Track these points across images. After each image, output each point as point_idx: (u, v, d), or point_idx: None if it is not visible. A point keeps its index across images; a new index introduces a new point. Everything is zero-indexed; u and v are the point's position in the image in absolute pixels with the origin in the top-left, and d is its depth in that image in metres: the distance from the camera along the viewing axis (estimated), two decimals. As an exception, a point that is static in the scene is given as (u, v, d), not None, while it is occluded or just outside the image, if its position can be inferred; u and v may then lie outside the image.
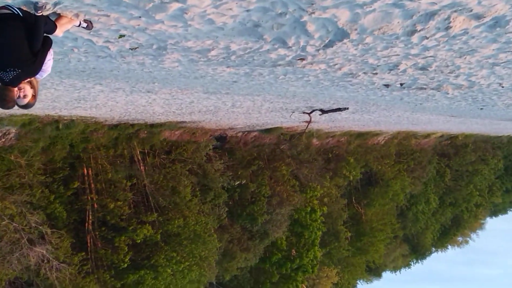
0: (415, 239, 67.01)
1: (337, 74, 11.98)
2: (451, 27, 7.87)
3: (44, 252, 24.20)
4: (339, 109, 23.52)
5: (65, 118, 23.40)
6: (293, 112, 25.71)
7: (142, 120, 26.53)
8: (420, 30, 8.08)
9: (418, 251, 70.04)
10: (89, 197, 28.15)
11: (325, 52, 9.51)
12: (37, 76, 6.15)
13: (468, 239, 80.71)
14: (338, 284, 52.80)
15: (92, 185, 28.49)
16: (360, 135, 46.36)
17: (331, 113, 24.43)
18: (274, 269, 41.12)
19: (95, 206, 28.25)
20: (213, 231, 32.47)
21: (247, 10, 7.23)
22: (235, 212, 36.73)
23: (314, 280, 48.61)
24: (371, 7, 7.11)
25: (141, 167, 30.16)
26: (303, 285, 45.13)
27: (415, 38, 8.49)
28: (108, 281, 27.86)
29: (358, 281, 61.58)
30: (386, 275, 67.11)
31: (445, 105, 19.89)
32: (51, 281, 24.71)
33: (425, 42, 8.74)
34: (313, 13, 7.28)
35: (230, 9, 7.14)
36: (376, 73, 11.94)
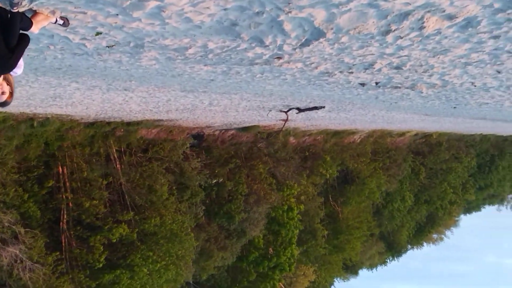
0: (391, 237, 67.42)
1: (314, 73, 12.06)
2: (424, 27, 7.98)
3: (17, 252, 23.97)
4: (315, 108, 23.63)
5: (40, 116, 23.23)
6: (270, 111, 25.77)
7: (118, 118, 26.41)
8: (394, 30, 8.17)
9: (394, 249, 70.45)
10: (64, 196, 27.92)
11: (302, 51, 9.58)
12: (12, 73, 6.15)
13: (442, 236, 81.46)
14: (315, 282, 52.91)
15: (67, 184, 28.26)
16: (336, 133, 46.57)
17: (308, 111, 24.53)
18: (251, 268, 41.15)
19: (70, 205, 28.02)
20: (190, 230, 32.40)
21: (225, 9, 7.27)
22: (212, 211, 36.71)
23: (291, 278, 48.69)
24: (346, 7, 7.19)
25: (117, 166, 30.00)
26: (280, 283, 45.22)
27: (389, 38, 8.58)
28: (83, 281, 27.66)
29: (335, 279, 61.84)
30: (363, 272, 67.72)
31: (419, 104, 20.08)
32: (24, 282, 24.46)
33: (399, 41, 8.84)
34: (290, 12, 7.34)
35: (208, 7, 7.17)
36: (352, 72, 12.04)
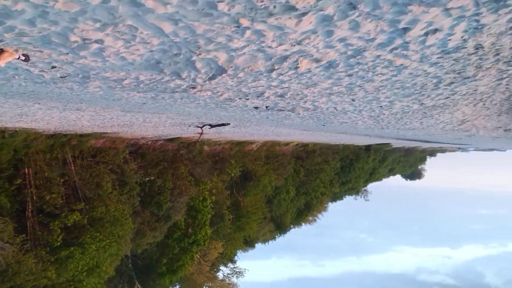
0: (278, 219, 68.13)
1: (220, 99, 12.09)
2: (299, 67, 8.18)
3: (-9, 235, 22.67)
4: (223, 124, 23.66)
5: (10, 129, 22.09)
6: (189, 126, 25.61)
7: (73, 131, 25.49)
8: (277, 69, 8.33)
9: (281, 228, 71.07)
10: (29, 191, 26.60)
11: (210, 83, 9.59)
12: None
13: (316, 218, 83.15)
14: (223, 253, 52.72)
15: (32, 182, 26.93)
16: (239, 143, 46.80)
17: (217, 127, 24.53)
18: (175, 244, 40.58)
19: (34, 197, 26.74)
20: (128, 216, 31.60)
21: (151, 51, 7.19)
22: (145, 201, 35.96)
23: (205, 251, 48.38)
24: (242, 51, 7.28)
25: (72, 167, 28.89)
26: (197, 255, 44.85)
27: (274, 74, 8.74)
28: (44, 256, 26.40)
29: (237, 251, 61.82)
30: (258, 246, 67.66)
31: (298, 122, 20.50)
32: (-3, 258, 23.17)
33: (281, 77, 9.02)
34: (200, 54, 7.35)
35: (138, 49, 7.08)
36: (248, 99, 12.15)
